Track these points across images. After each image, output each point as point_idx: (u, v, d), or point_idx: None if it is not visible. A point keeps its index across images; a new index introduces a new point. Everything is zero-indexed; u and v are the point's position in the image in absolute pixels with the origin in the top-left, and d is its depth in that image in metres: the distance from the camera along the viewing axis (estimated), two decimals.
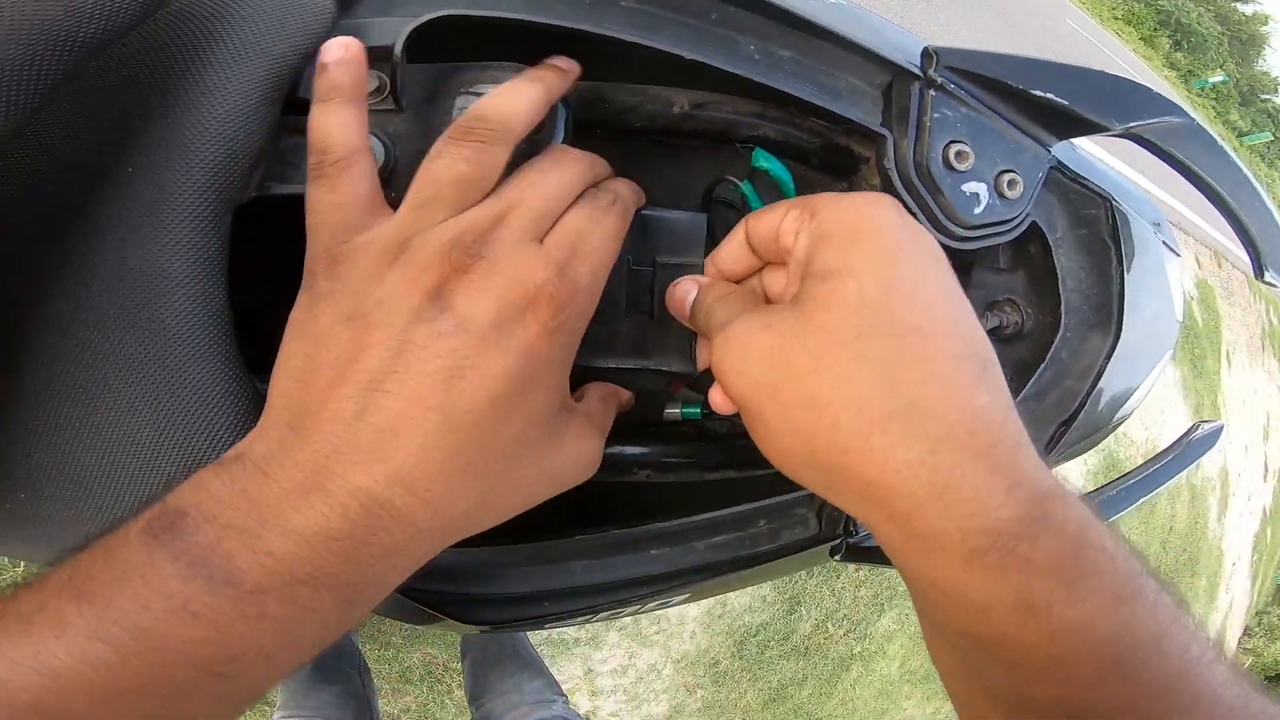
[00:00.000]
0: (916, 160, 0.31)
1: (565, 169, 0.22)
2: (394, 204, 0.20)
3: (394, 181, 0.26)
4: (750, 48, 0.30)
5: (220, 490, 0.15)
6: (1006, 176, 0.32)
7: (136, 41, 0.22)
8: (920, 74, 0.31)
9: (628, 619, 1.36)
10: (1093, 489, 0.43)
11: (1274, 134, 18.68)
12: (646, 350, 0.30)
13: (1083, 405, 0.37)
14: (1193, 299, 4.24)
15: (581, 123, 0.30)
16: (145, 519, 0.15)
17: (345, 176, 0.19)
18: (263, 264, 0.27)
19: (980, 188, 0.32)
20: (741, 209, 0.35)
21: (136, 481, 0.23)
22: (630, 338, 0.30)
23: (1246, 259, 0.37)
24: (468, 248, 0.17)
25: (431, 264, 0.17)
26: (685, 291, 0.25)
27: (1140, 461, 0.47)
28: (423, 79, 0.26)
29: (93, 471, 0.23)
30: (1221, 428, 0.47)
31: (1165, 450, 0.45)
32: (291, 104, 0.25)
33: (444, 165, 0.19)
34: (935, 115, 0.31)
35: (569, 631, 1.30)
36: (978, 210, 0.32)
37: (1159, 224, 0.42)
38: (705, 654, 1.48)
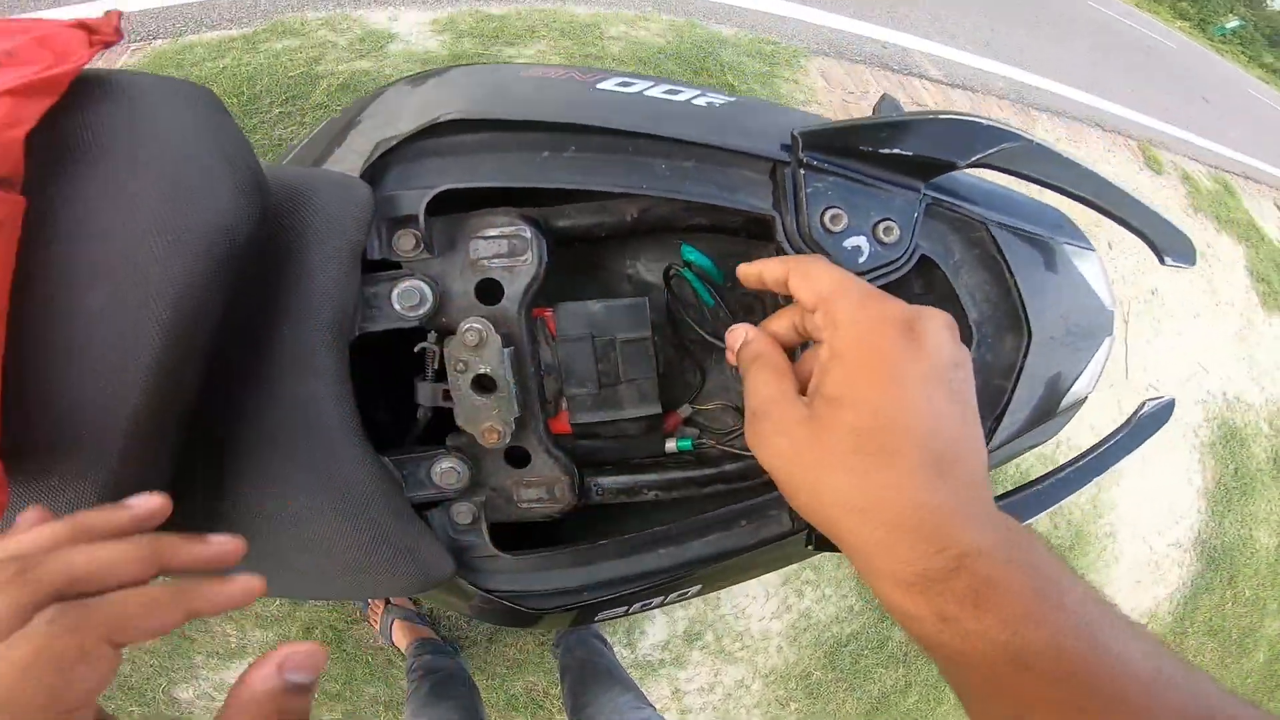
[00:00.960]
0: (801, 231, 0.40)
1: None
2: (446, 327, 0.34)
3: (445, 308, 0.39)
4: (662, 166, 0.40)
5: None
6: (882, 225, 0.40)
7: (257, 244, 0.33)
8: (789, 157, 0.40)
9: (710, 638, 1.36)
10: (1043, 473, 0.46)
11: None
12: (620, 405, 0.42)
13: (1010, 398, 0.43)
14: None
15: (560, 237, 0.42)
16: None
17: None
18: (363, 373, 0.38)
19: (860, 240, 0.40)
20: (694, 283, 0.45)
21: (323, 555, 0.35)
22: (605, 398, 0.42)
23: None
24: None
25: None
26: (736, 338, 0.32)
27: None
28: (444, 229, 0.39)
29: (290, 548, 0.35)
30: (1172, 402, 0.48)
31: (1115, 430, 0.48)
32: (365, 264, 0.37)
33: None
34: (808, 190, 0.39)
35: (654, 653, 1.31)
36: (862, 259, 0.40)
37: (1059, 225, 0.48)
38: (795, 667, 1.45)
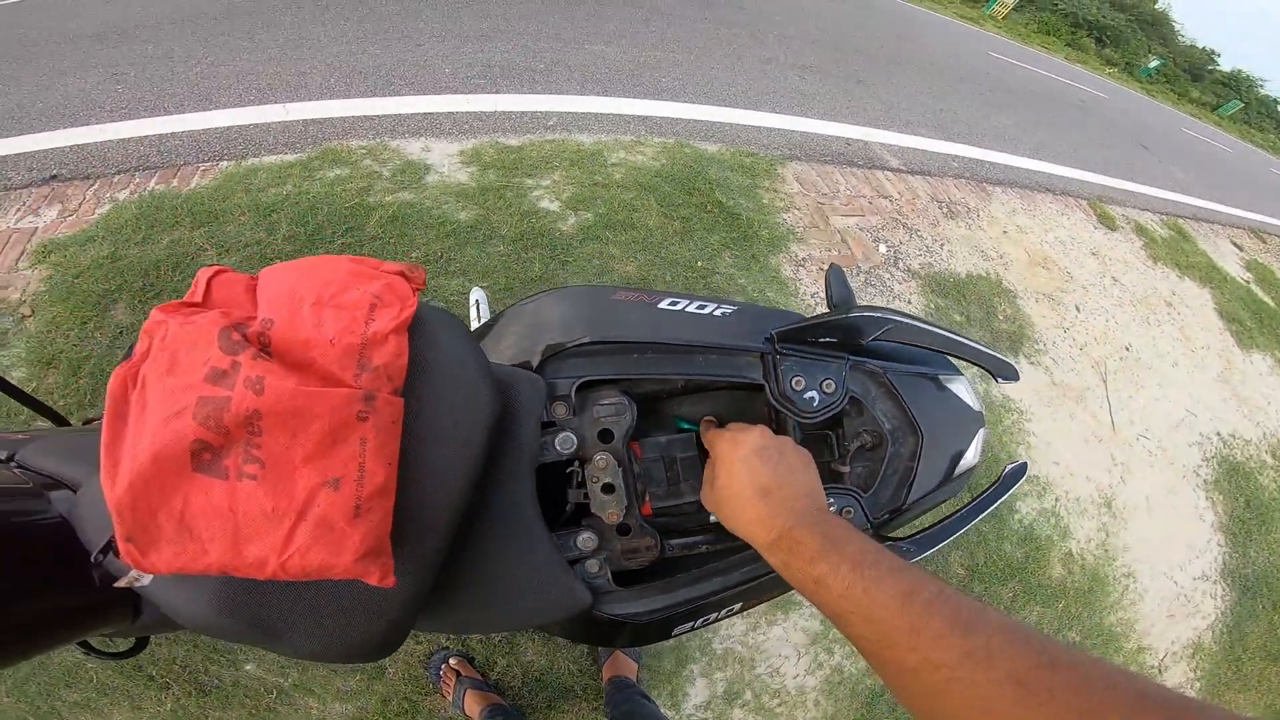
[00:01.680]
0: (780, 392, 0.66)
1: None
2: (584, 457, 0.61)
3: (582, 447, 0.63)
4: (699, 360, 0.67)
5: None
6: (825, 382, 0.67)
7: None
8: (770, 349, 0.67)
9: (749, 696, 1.48)
10: (925, 527, 0.69)
11: (1240, 99, 18.81)
12: (681, 496, 0.67)
13: (916, 472, 0.68)
14: (1249, 282, 4.22)
15: (641, 399, 0.68)
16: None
17: None
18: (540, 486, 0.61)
19: (813, 393, 0.67)
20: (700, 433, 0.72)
21: (524, 594, 0.57)
22: (671, 492, 0.67)
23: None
24: None
25: None
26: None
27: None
28: (580, 400, 0.64)
29: (505, 591, 0.57)
30: (1024, 465, 0.74)
31: (986, 489, 0.72)
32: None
33: None
34: (781, 367, 0.66)
35: (697, 714, 1.43)
36: (815, 404, 0.67)
37: (934, 363, 0.73)
38: (833, 718, 1.51)
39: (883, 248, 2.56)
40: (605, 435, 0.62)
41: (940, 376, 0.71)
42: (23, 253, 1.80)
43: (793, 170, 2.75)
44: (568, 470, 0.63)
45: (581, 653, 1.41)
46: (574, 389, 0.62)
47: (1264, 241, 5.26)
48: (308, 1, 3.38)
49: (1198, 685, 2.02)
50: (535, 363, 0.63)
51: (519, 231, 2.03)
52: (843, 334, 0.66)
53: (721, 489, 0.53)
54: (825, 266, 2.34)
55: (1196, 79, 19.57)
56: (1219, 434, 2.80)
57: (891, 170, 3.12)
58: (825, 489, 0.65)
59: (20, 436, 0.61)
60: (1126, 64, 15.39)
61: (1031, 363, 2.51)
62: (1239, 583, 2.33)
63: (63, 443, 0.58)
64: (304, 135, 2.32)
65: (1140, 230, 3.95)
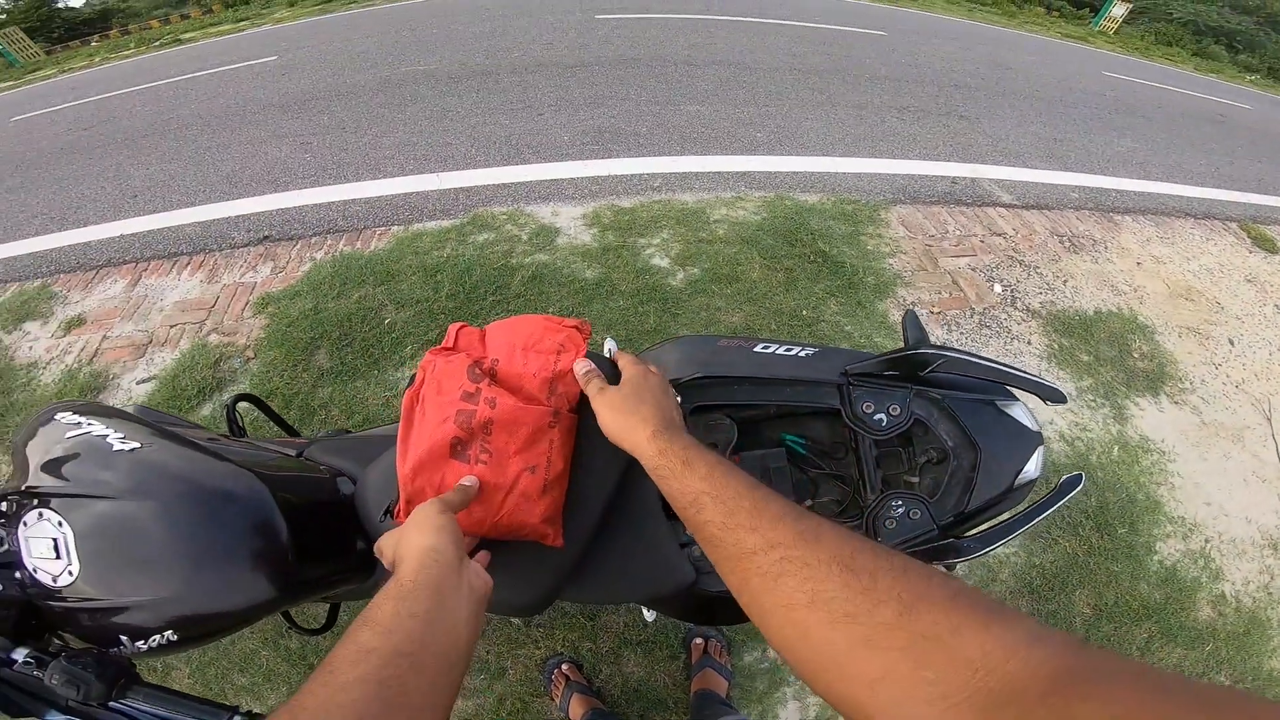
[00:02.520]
0: (853, 414, 0.79)
1: None
2: None
3: None
4: (788, 390, 0.81)
5: None
6: (892, 408, 0.78)
7: None
8: (845, 380, 0.80)
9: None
10: (985, 527, 0.75)
11: None
12: None
13: (974, 483, 0.77)
14: None
15: (741, 421, 0.84)
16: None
17: None
18: None
19: (881, 415, 0.79)
20: (792, 453, 0.85)
21: (648, 570, 0.73)
22: None
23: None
24: None
25: None
26: (581, 366, 0.66)
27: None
28: (694, 422, 0.82)
29: (633, 568, 0.73)
30: (1080, 476, 0.79)
31: (1042, 497, 0.78)
32: None
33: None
34: (854, 395, 0.79)
35: None
36: (883, 425, 0.79)
37: (994, 391, 0.82)
38: None
39: (998, 287, 2.49)
40: (713, 448, 0.76)
41: (998, 402, 0.81)
42: (246, 304, 2.24)
43: (897, 214, 2.76)
44: None
45: (677, 667, 1.48)
46: (689, 413, 0.79)
47: None
48: (441, 76, 3.91)
49: None
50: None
51: (635, 287, 2.22)
52: (905, 368, 0.78)
53: (625, 391, 0.60)
54: (934, 309, 2.32)
55: None
56: None
57: (1005, 206, 3.03)
58: (894, 493, 0.78)
59: (301, 441, 0.86)
60: (1269, 69, 13.62)
61: (1175, 402, 2.31)
62: None
63: (335, 446, 0.82)
64: (455, 202, 2.69)
65: None
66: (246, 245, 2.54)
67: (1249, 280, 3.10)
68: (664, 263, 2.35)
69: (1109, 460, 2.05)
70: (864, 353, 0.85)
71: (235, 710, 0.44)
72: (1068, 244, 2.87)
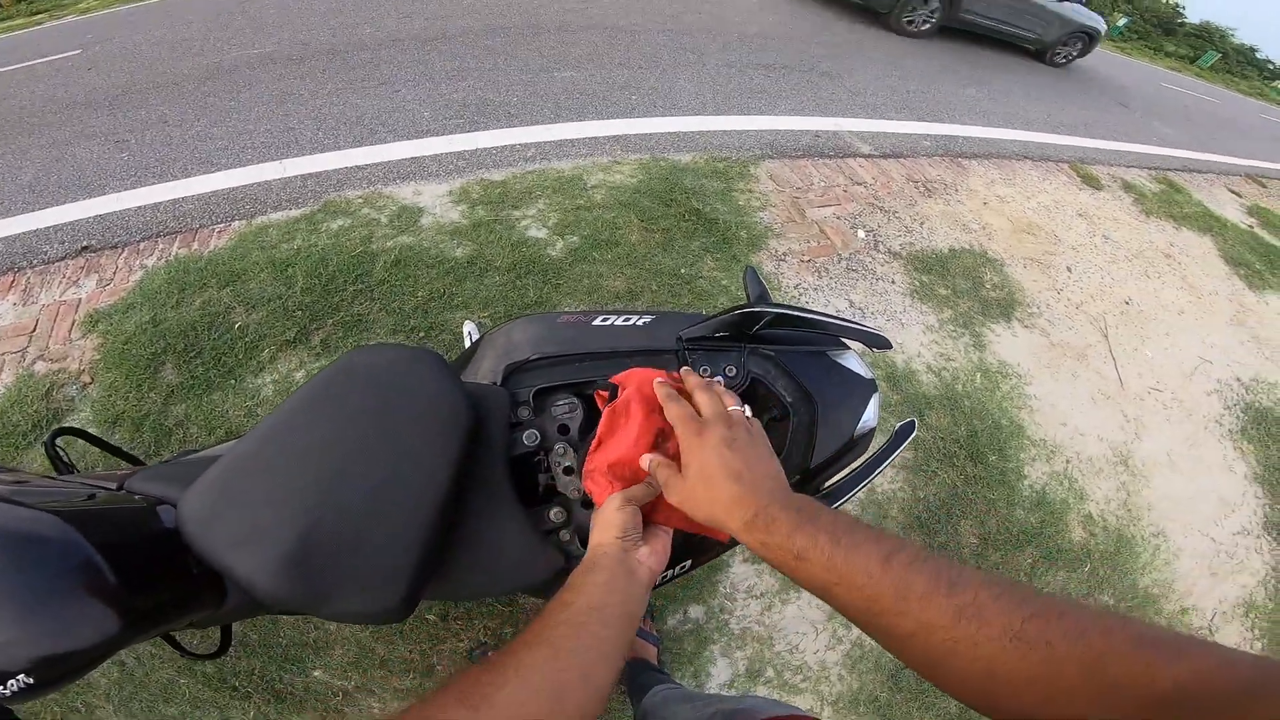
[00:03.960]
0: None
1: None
2: (546, 447, 0.70)
3: (545, 440, 0.76)
4: (627, 362, 0.77)
5: None
6: (726, 368, 0.79)
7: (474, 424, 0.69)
8: (680, 346, 0.79)
9: (771, 674, 1.53)
10: (831, 483, 0.77)
11: (1217, 50, 18.69)
12: None
13: (815, 436, 0.78)
14: (1252, 226, 4.15)
15: (588, 401, 0.77)
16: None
17: None
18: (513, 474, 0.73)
19: (718, 377, 0.78)
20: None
21: (509, 561, 0.68)
22: None
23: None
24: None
25: None
26: (646, 459, 0.60)
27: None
28: (539, 403, 0.77)
29: (493, 560, 0.68)
30: (913, 424, 0.84)
31: (879, 448, 0.82)
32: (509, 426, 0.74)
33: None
34: (691, 359, 0.79)
35: (721, 693, 1.47)
36: (720, 386, 0.76)
37: (822, 343, 0.85)
38: (860, 692, 1.54)
39: (861, 233, 2.63)
40: (563, 429, 0.75)
41: (829, 353, 0.83)
42: (73, 324, 1.93)
43: (766, 169, 2.83)
44: (535, 460, 0.77)
45: None
46: (531, 395, 0.77)
47: (1264, 186, 5.18)
48: (280, 59, 3.53)
49: (1257, 644, 1.95)
50: (499, 379, 0.79)
51: (512, 261, 2.12)
52: (735, 327, 0.78)
53: (695, 477, 0.53)
54: (805, 258, 2.41)
55: (1169, 33, 19.49)
56: (1239, 379, 2.72)
57: (864, 157, 3.19)
58: None
59: (123, 471, 0.78)
60: (1132, 29, 15.22)
61: (1026, 326, 2.56)
62: None
63: (155, 473, 0.74)
64: (303, 190, 2.44)
65: (1128, 187, 3.96)
66: (63, 258, 2.18)
67: (1080, 214, 3.49)
68: (541, 233, 2.27)
69: (973, 388, 2.22)
70: (697, 315, 0.84)
71: None
72: (922, 189, 3.08)
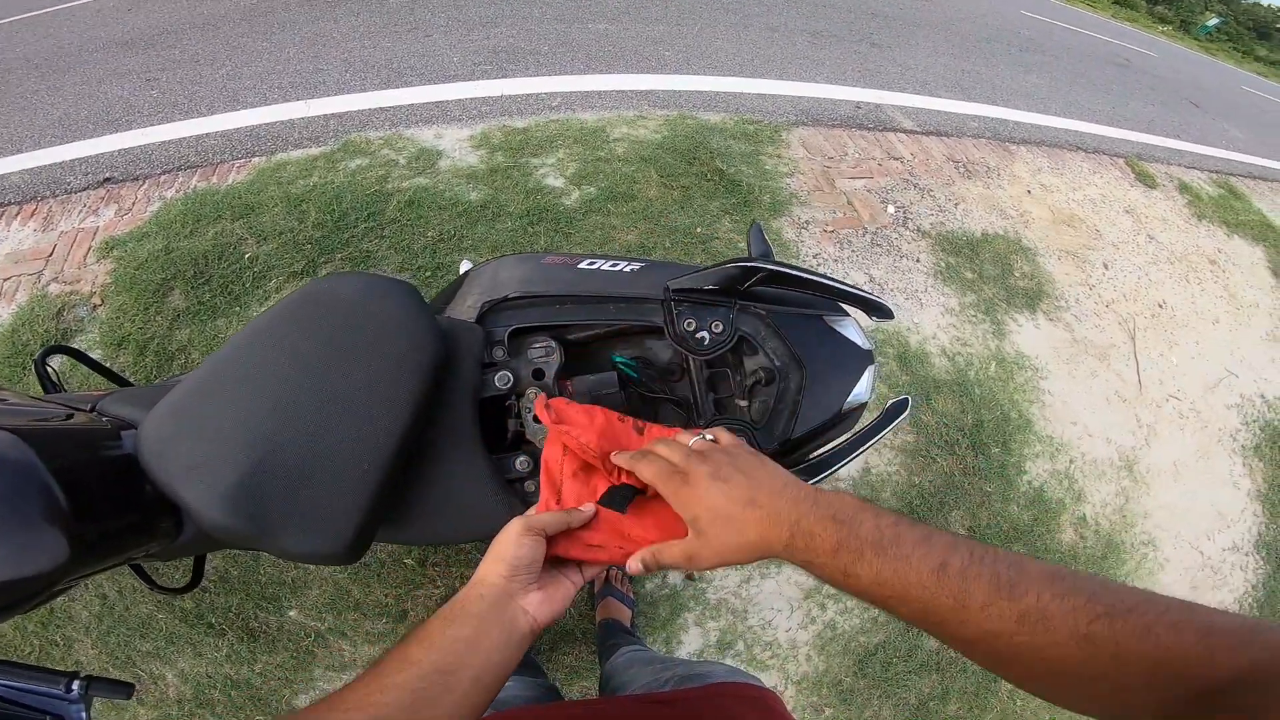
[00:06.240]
0: (675, 333, 0.74)
1: None
2: (519, 391, 0.67)
3: (518, 384, 0.72)
4: (611, 308, 0.75)
5: None
6: (713, 323, 0.74)
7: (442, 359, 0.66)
8: (667, 296, 0.75)
9: (741, 648, 1.52)
10: (814, 458, 0.72)
11: None
12: None
13: (800, 405, 0.73)
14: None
15: (568, 345, 0.77)
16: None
17: None
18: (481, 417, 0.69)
19: (704, 333, 0.74)
20: (625, 369, 0.79)
21: (469, 508, 0.65)
22: None
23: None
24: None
25: None
26: (637, 558, 0.51)
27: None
28: (515, 345, 0.74)
29: (453, 506, 0.65)
30: (906, 401, 0.77)
31: (869, 422, 0.76)
32: (481, 365, 0.71)
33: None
34: (677, 312, 0.74)
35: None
36: (705, 343, 0.74)
37: (819, 306, 0.79)
38: (825, 675, 1.53)
39: (891, 208, 2.52)
40: (538, 374, 0.71)
41: (826, 317, 0.78)
42: (89, 249, 1.98)
43: (799, 135, 2.72)
44: (505, 404, 0.72)
45: (581, 596, 1.47)
46: (507, 335, 0.73)
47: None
48: (319, 1, 3.51)
49: None
50: (474, 316, 0.75)
51: (526, 208, 2.09)
52: (727, 281, 0.73)
53: (709, 524, 0.46)
54: (829, 228, 2.32)
55: (1263, 36, 18.18)
56: (1263, 396, 2.62)
57: (905, 132, 3.05)
58: (720, 419, 0.73)
59: (99, 393, 0.77)
60: (1182, 22, 14.38)
61: (1050, 319, 2.44)
62: (1275, 556, 2.18)
63: (129, 395, 0.72)
64: (326, 129, 2.44)
65: (1184, 188, 3.71)
66: (85, 189, 2.23)
67: (1128, 211, 3.29)
68: (558, 182, 2.23)
69: (986, 376, 2.14)
70: (689, 265, 0.79)
71: (75, 675, 0.47)
72: (963, 170, 2.93)
